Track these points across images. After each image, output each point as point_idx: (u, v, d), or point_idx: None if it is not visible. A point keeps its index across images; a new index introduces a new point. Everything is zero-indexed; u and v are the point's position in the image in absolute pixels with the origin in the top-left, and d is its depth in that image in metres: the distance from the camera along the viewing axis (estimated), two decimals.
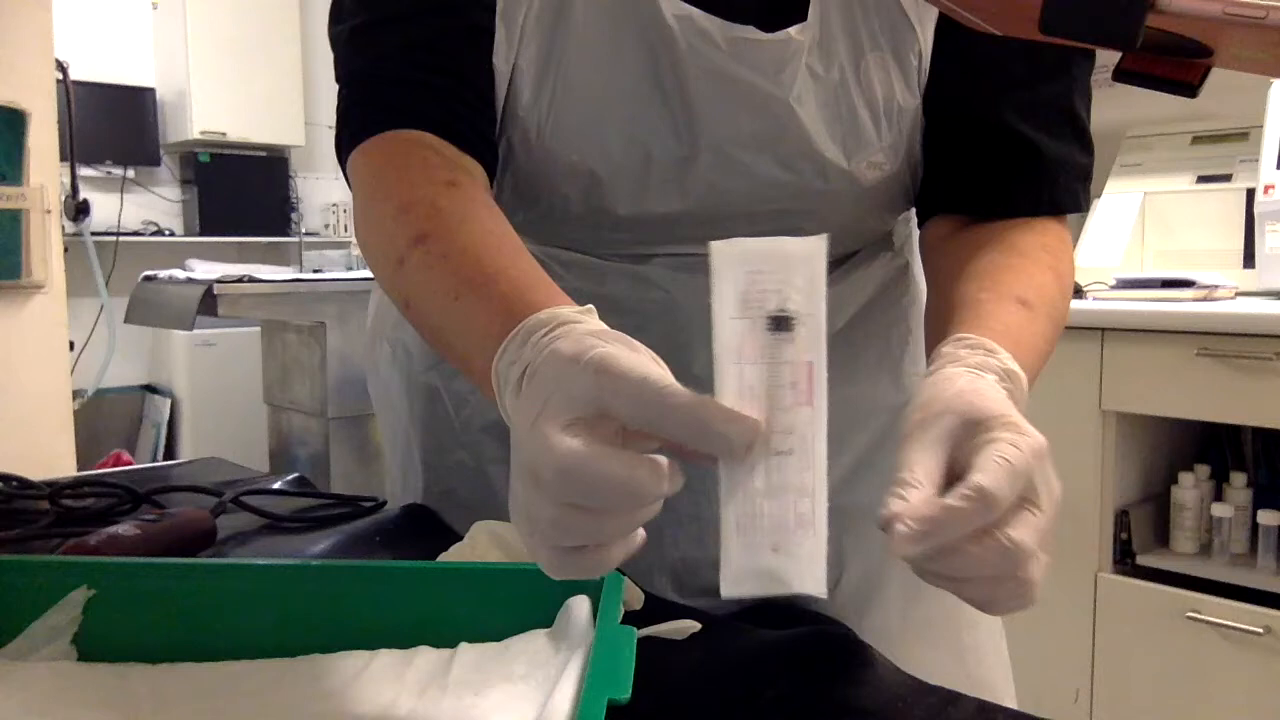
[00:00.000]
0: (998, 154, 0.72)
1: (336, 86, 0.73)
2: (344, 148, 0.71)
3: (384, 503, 0.96)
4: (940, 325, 0.62)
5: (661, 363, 0.45)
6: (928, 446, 0.46)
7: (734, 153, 0.72)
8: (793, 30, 0.68)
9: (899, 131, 0.73)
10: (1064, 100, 0.72)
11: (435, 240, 0.60)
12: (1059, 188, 0.72)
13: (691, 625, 0.61)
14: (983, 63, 0.71)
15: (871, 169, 0.73)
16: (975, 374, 0.52)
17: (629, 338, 0.46)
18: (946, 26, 0.70)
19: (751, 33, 0.68)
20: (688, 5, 0.68)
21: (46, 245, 2.01)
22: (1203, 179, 2.28)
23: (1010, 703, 0.85)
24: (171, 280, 2.91)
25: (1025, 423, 0.47)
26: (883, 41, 0.70)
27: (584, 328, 0.47)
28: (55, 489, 0.94)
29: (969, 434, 0.46)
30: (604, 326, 0.48)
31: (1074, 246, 0.81)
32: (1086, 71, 0.73)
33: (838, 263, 0.83)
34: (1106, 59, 0.45)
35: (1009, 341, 0.56)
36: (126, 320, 3.03)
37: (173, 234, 4.86)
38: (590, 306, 0.51)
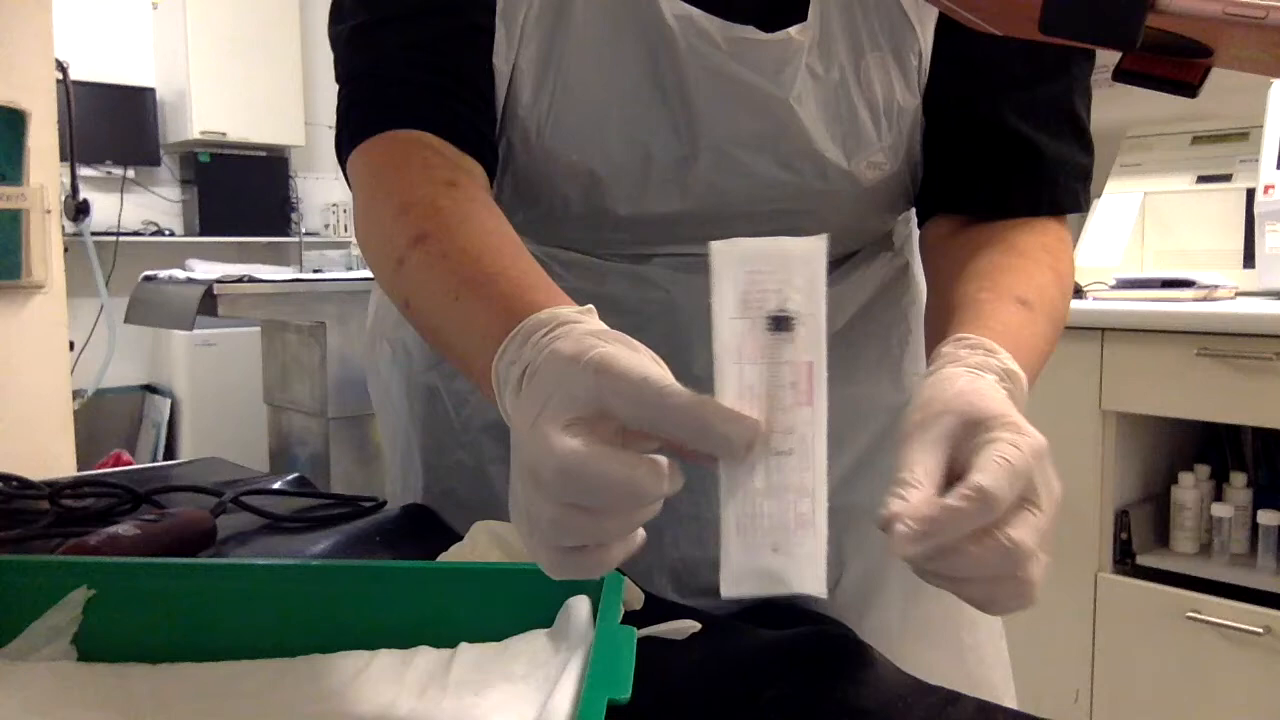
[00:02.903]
0: (998, 154, 0.72)
1: (336, 86, 0.73)
2: (344, 147, 0.71)
3: (384, 503, 0.96)
4: (940, 325, 0.62)
5: (661, 363, 0.45)
6: (927, 446, 0.46)
7: (734, 152, 0.72)
8: (792, 30, 0.68)
9: (899, 131, 0.73)
10: (1064, 100, 0.72)
11: (435, 240, 0.60)
12: (1059, 188, 0.72)
13: (691, 625, 0.61)
14: (983, 63, 0.71)
15: (871, 169, 0.73)
16: (975, 374, 0.52)
17: (629, 338, 0.46)
18: (946, 26, 0.70)
19: (751, 33, 0.68)
20: (687, 5, 0.68)
21: (46, 245, 2.01)
22: (1203, 179, 2.28)
23: (1010, 703, 0.85)
24: (171, 280, 2.91)
25: (1025, 423, 0.47)
26: (882, 41, 0.70)
27: (584, 328, 0.47)
28: (55, 489, 0.94)
29: (969, 434, 0.46)
30: (604, 327, 0.48)
31: (1074, 246, 0.81)
32: (1086, 71, 0.73)
33: (838, 263, 0.83)
34: (1106, 59, 0.45)
35: (1009, 341, 0.56)
36: (126, 320, 3.04)
37: (173, 234, 4.86)
38: (590, 306, 0.51)
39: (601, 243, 0.80)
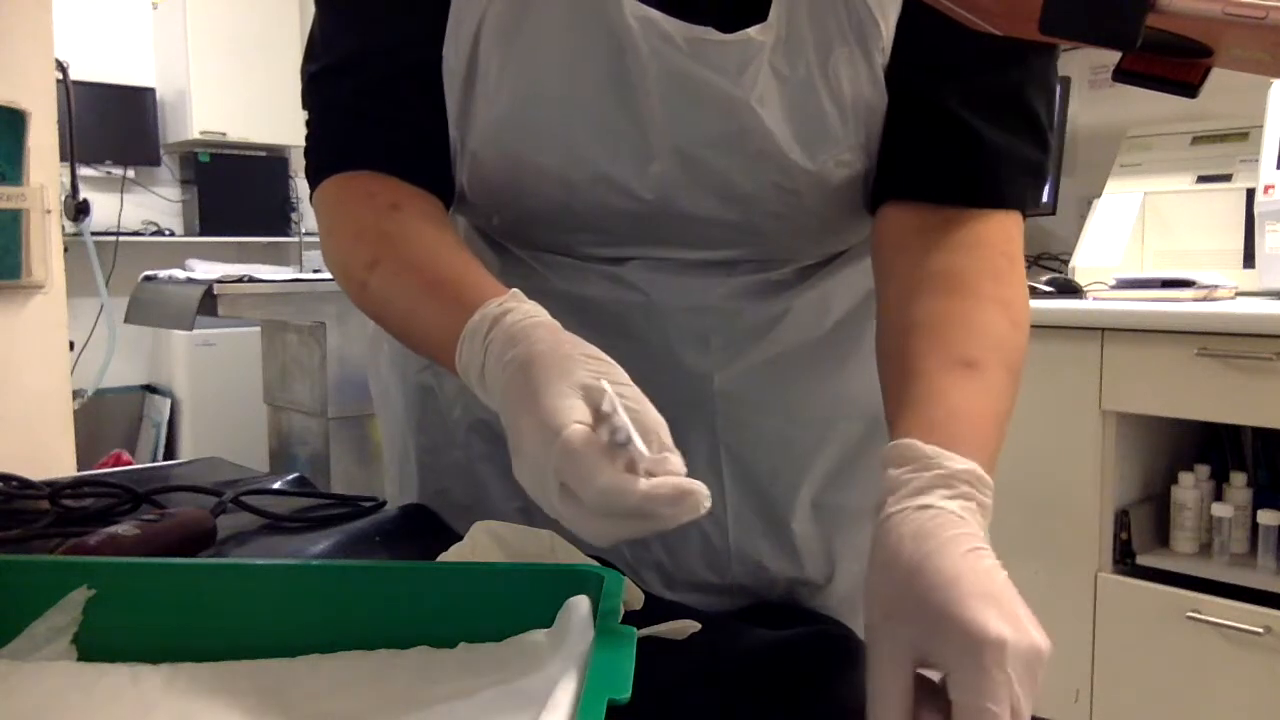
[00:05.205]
0: (934, 138, 0.70)
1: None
2: (310, 182, 0.76)
3: (384, 503, 0.96)
4: (886, 385, 0.64)
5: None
6: (897, 672, 0.47)
7: (697, 154, 0.71)
8: (753, 31, 0.68)
9: (867, 129, 0.72)
10: (1014, 91, 0.70)
11: (387, 262, 0.67)
12: (1000, 179, 0.69)
13: (691, 625, 0.61)
14: (929, 48, 0.69)
15: (840, 167, 0.72)
16: (931, 512, 0.50)
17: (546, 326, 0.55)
18: (904, 17, 0.69)
19: (711, 34, 0.68)
20: (647, 7, 0.67)
21: (46, 245, 2.01)
22: (1203, 179, 2.28)
23: None
24: (171, 280, 2.90)
25: (1010, 600, 0.46)
26: (850, 37, 0.69)
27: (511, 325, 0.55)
28: (55, 489, 0.94)
29: (934, 639, 0.46)
30: (525, 310, 0.56)
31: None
32: (1047, 65, 0.71)
33: (825, 262, 0.83)
34: (1107, 59, 0.45)
35: (960, 426, 0.55)
36: (126, 320, 3.03)
37: (173, 234, 4.86)
38: (515, 291, 0.58)
39: (576, 245, 0.80)
